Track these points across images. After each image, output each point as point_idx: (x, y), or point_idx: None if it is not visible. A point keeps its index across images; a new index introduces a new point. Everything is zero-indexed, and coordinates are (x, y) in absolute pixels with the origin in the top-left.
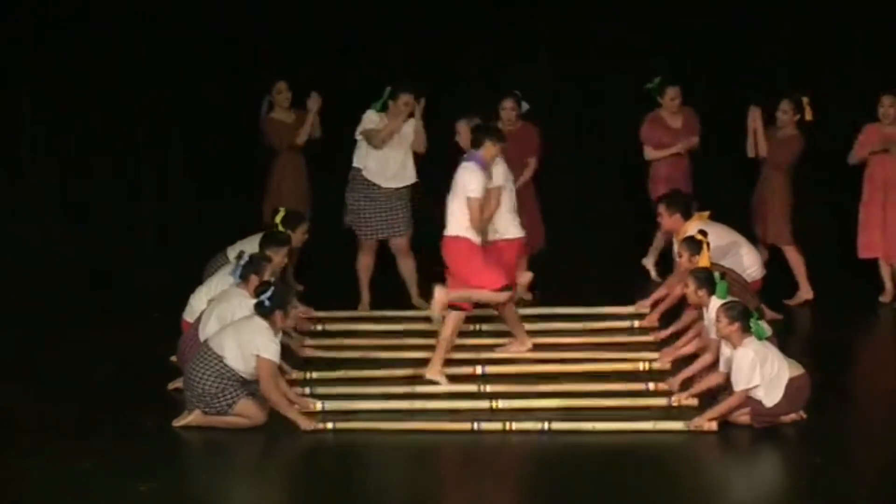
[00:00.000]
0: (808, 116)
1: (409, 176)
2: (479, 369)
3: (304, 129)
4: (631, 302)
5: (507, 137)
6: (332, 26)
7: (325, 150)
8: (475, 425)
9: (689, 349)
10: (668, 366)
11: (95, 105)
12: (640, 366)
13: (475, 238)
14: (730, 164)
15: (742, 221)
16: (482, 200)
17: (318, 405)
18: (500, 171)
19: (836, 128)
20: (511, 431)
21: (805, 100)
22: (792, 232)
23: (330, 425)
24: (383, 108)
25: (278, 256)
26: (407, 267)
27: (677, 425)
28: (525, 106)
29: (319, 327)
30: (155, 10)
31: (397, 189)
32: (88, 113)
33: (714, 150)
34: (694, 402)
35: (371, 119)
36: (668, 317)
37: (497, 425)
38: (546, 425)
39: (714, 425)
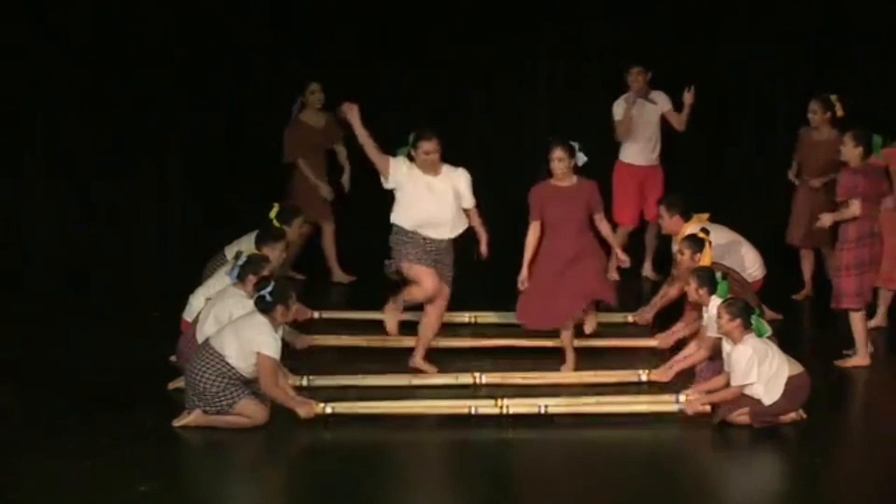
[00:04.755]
0: (840, 112)
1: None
2: (477, 377)
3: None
4: (631, 308)
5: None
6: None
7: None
8: (472, 409)
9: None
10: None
11: (96, 104)
12: (641, 376)
13: None
14: None
15: None
16: None
17: (321, 406)
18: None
19: None
20: (507, 414)
21: (833, 97)
22: None
23: (329, 409)
24: (410, 158)
25: (275, 252)
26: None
27: (671, 407)
28: (582, 158)
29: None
30: (155, 10)
31: (439, 240)
32: (89, 112)
33: None
34: (707, 409)
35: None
36: (664, 316)
37: (493, 409)
38: (543, 408)
39: (707, 408)
